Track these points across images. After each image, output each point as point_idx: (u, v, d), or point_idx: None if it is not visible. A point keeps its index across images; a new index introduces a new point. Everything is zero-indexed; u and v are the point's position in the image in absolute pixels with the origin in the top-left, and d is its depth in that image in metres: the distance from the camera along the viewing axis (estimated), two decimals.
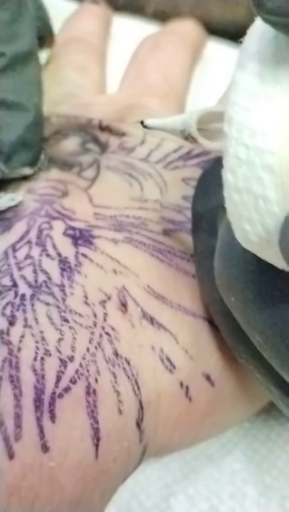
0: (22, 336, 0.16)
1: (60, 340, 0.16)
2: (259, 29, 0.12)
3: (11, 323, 0.17)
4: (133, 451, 0.17)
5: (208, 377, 0.18)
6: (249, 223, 0.12)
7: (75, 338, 0.16)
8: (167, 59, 0.29)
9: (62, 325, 0.17)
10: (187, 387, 0.18)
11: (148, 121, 0.17)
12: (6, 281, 0.18)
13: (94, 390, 0.16)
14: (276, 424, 0.22)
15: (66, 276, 0.18)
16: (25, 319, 0.17)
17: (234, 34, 0.32)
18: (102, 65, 0.30)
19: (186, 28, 0.31)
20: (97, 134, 0.24)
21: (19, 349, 0.16)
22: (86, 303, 0.18)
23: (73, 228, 0.20)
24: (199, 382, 0.18)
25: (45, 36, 0.27)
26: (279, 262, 0.12)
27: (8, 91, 0.23)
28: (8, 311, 0.17)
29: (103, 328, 0.17)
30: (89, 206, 0.21)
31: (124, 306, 0.18)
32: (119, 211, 0.21)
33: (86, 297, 0.18)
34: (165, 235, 0.20)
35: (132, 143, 0.24)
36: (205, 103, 0.26)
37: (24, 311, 0.17)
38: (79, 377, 0.16)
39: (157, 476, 0.21)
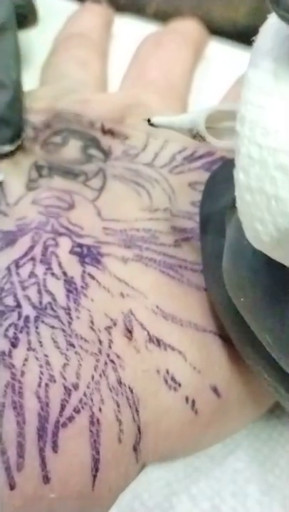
0: (25, 360, 0.16)
1: (65, 365, 0.16)
2: (273, 27, 0.12)
3: (14, 345, 0.16)
4: (130, 473, 0.17)
5: (214, 389, 0.18)
6: (261, 223, 0.12)
7: (80, 365, 0.16)
8: (169, 58, 0.29)
9: (67, 349, 0.16)
10: (193, 401, 0.17)
11: (155, 119, 0.17)
12: (9, 301, 0.18)
13: (98, 420, 0.16)
14: (279, 424, 0.22)
15: (72, 298, 0.18)
16: (29, 342, 0.16)
17: (235, 34, 0.32)
18: (104, 61, 0.30)
19: (188, 27, 0.31)
20: (98, 139, 0.24)
21: (22, 373, 0.16)
22: (92, 328, 0.17)
23: (80, 245, 0.19)
24: (206, 395, 0.18)
25: (27, 14, 0.27)
26: None
27: None
28: (10, 333, 0.17)
29: (108, 355, 0.17)
30: (97, 220, 0.21)
31: (129, 332, 0.17)
32: (128, 224, 0.20)
33: (92, 322, 0.17)
34: (176, 247, 0.20)
35: (136, 147, 0.24)
36: (206, 102, 0.26)
37: (28, 333, 0.17)
38: (83, 407, 0.16)
39: (159, 476, 0.21)
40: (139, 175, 0.22)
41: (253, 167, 0.11)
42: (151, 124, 0.17)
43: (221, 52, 0.32)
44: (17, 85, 0.23)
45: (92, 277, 0.18)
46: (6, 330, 0.17)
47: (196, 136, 0.16)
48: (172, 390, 0.17)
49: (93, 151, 0.23)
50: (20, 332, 0.17)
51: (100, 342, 0.17)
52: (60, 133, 0.24)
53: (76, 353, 0.16)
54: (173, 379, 0.17)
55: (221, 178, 0.19)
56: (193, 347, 0.18)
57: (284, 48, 0.12)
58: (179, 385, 0.17)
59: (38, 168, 0.23)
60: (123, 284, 0.18)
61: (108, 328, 0.17)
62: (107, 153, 0.23)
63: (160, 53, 0.29)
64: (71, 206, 0.21)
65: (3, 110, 0.22)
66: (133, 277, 0.19)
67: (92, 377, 0.16)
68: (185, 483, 0.21)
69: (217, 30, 0.32)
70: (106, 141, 0.24)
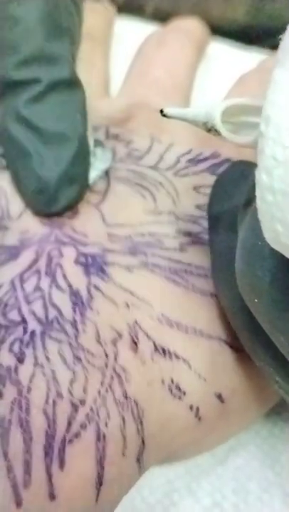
0: (32, 376, 0.16)
1: (72, 381, 0.16)
2: None
3: (20, 361, 0.16)
4: (132, 482, 0.17)
5: (219, 396, 0.18)
6: (282, 224, 0.11)
7: (87, 379, 0.16)
8: (172, 56, 0.28)
9: (74, 364, 0.16)
10: (197, 409, 0.17)
11: (168, 110, 0.16)
12: (14, 315, 0.17)
13: (104, 436, 0.15)
14: (279, 420, 0.22)
15: (78, 311, 0.18)
16: (36, 357, 0.16)
17: (234, 33, 0.32)
18: (106, 61, 0.30)
19: (191, 25, 0.31)
20: (102, 141, 0.24)
21: (29, 390, 0.16)
22: (98, 341, 0.17)
23: (85, 255, 0.19)
24: (210, 402, 0.18)
25: None
26: None
27: (49, 120, 0.20)
28: (16, 348, 0.16)
29: (114, 369, 0.17)
30: (102, 226, 0.20)
31: (135, 344, 0.17)
32: (133, 229, 0.20)
33: (98, 335, 0.17)
34: (182, 251, 0.20)
35: (140, 149, 0.23)
36: (208, 101, 0.26)
37: (34, 348, 0.16)
38: (89, 422, 0.15)
39: (160, 472, 0.21)
40: (144, 177, 0.22)
41: (277, 169, 0.11)
42: (164, 115, 0.16)
43: (221, 51, 0.32)
44: (83, 139, 0.21)
45: (98, 288, 0.18)
46: (12, 345, 0.17)
47: (210, 130, 0.16)
48: (177, 398, 0.17)
49: (98, 152, 0.23)
50: (27, 347, 0.16)
51: (106, 355, 0.17)
52: None
53: (83, 367, 0.16)
54: (178, 387, 0.17)
55: (229, 180, 0.19)
56: (199, 354, 0.18)
57: None
58: (184, 393, 0.17)
59: None
60: (128, 293, 0.18)
61: (114, 341, 0.17)
62: (111, 156, 0.23)
63: (163, 52, 0.29)
64: (75, 213, 0.21)
65: (69, 166, 0.20)
66: (138, 286, 0.18)
67: (99, 392, 0.16)
68: (186, 479, 0.21)
69: (216, 29, 0.32)
70: (110, 143, 0.24)
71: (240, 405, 0.19)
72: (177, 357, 0.17)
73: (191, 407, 0.17)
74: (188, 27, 0.31)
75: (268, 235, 0.12)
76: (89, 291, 0.18)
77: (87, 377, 0.16)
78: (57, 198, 0.20)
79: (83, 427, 0.15)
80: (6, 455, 0.15)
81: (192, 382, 0.17)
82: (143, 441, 0.16)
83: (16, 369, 0.16)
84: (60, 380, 0.16)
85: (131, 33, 0.32)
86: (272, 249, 0.12)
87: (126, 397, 0.16)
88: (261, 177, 0.12)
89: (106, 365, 0.16)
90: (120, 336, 0.17)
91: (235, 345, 0.18)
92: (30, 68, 0.20)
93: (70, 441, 0.15)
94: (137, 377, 0.17)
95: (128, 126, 0.24)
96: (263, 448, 0.22)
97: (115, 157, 0.23)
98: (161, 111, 0.16)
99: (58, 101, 0.20)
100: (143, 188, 0.22)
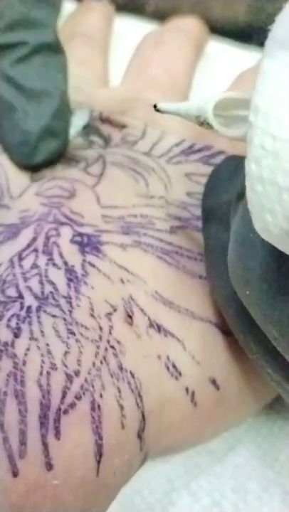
0: (27, 349, 0.16)
1: (66, 353, 0.16)
2: None
3: (16, 336, 0.16)
4: (134, 462, 0.17)
5: (213, 382, 0.18)
6: (271, 214, 0.11)
7: (81, 352, 0.16)
8: (170, 55, 0.29)
9: (68, 338, 0.17)
10: (193, 393, 0.17)
11: (161, 105, 0.17)
12: (12, 292, 0.18)
13: (98, 406, 0.16)
14: (279, 419, 0.22)
15: (73, 287, 0.18)
16: (31, 332, 0.17)
17: (234, 32, 0.32)
18: (106, 60, 0.30)
19: (189, 24, 0.31)
20: (98, 126, 0.24)
21: (24, 362, 0.16)
22: (92, 315, 0.17)
23: (81, 234, 0.20)
24: (205, 387, 0.18)
25: None
26: None
27: (33, 79, 0.22)
28: (13, 323, 0.17)
29: (108, 341, 0.17)
30: (97, 207, 0.21)
31: (130, 317, 0.17)
32: (126, 210, 0.21)
33: (92, 309, 0.17)
34: (172, 233, 0.20)
35: (134, 135, 0.24)
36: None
37: (30, 323, 0.17)
38: (84, 393, 0.16)
39: (159, 472, 0.21)
40: (137, 163, 0.23)
41: (265, 158, 0.11)
42: (158, 110, 0.16)
43: (220, 50, 0.32)
44: (64, 96, 0.23)
45: (92, 265, 0.19)
46: (9, 320, 0.17)
47: (203, 123, 0.16)
48: (174, 378, 0.17)
49: (94, 138, 0.24)
50: (23, 322, 0.17)
51: (101, 328, 0.17)
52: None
53: (77, 340, 0.16)
54: (174, 366, 0.17)
55: (224, 173, 0.19)
56: (192, 335, 0.18)
57: None
58: (180, 373, 0.17)
59: None
60: (123, 270, 0.19)
61: (108, 315, 0.17)
62: (107, 140, 0.24)
63: (162, 50, 0.29)
64: (72, 194, 0.21)
65: (51, 121, 0.22)
66: (132, 263, 0.19)
67: (93, 363, 0.16)
68: (185, 479, 0.21)
69: (216, 29, 0.32)
70: (105, 129, 0.24)
71: (235, 394, 0.19)
72: (172, 335, 0.18)
73: (187, 390, 0.17)
74: (187, 26, 0.31)
75: (257, 225, 0.12)
76: (84, 268, 0.18)
77: (80, 349, 0.16)
78: (38, 149, 0.22)
79: (78, 397, 0.15)
80: (1, 426, 0.15)
81: (187, 363, 0.18)
82: (143, 417, 0.16)
83: (13, 343, 0.16)
84: (54, 352, 0.16)
85: (131, 31, 0.32)
86: (263, 241, 0.12)
87: (121, 368, 0.16)
88: (250, 167, 0.12)
89: (100, 338, 0.17)
90: (115, 309, 0.18)
91: (226, 330, 0.18)
92: (16, 32, 0.23)
93: (66, 411, 0.15)
94: (132, 350, 0.17)
95: (123, 115, 0.25)
96: (262, 446, 0.22)
97: (110, 142, 0.24)
98: (155, 106, 0.16)
99: (42, 62, 0.23)
100: (136, 172, 0.22)
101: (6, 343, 0.16)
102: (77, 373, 0.16)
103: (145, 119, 0.25)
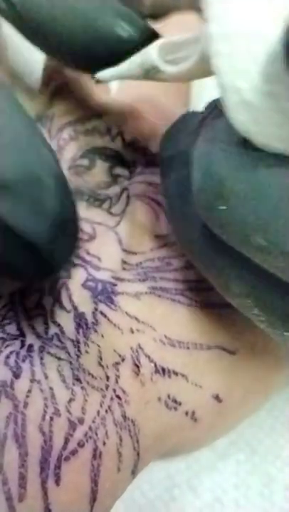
0: (29, 391, 0.16)
1: (71, 400, 0.16)
2: None
3: (16, 376, 0.16)
4: (124, 490, 0.17)
5: (216, 397, 0.18)
6: (244, 78, 0.10)
7: (86, 400, 0.16)
8: None
9: (74, 384, 0.16)
10: (193, 412, 0.17)
11: (100, 75, 0.16)
12: (12, 329, 0.17)
13: (100, 454, 0.15)
14: (281, 415, 0.22)
15: (82, 332, 0.17)
16: (33, 372, 0.16)
17: None
18: None
19: (189, 20, 0.31)
20: (122, 153, 0.22)
21: (26, 405, 0.15)
22: (100, 364, 0.17)
23: (95, 280, 0.18)
24: (206, 404, 0.18)
25: None
26: (281, 125, 0.11)
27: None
28: (12, 361, 0.16)
29: (114, 390, 0.16)
30: (117, 250, 0.19)
31: (137, 367, 0.17)
32: (145, 256, 0.19)
33: (100, 358, 0.17)
34: (188, 269, 0.19)
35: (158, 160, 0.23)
36: (209, 97, 0.26)
37: (31, 363, 0.16)
38: (87, 441, 0.15)
39: (160, 467, 0.21)
40: (158, 192, 0.21)
41: (226, 15, 0.10)
42: (99, 81, 0.16)
43: None
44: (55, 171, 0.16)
45: (104, 315, 0.18)
46: (7, 357, 0.16)
47: (149, 71, 0.15)
48: (172, 410, 0.17)
49: (118, 170, 0.22)
50: (23, 361, 0.16)
51: (108, 378, 0.16)
52: (87, 155, 0.22)
53: (83, 388, 0.16)
54: (174, 400, 0.17)
55: (181, 125, 0.18)
56: (197, 367, 0.18)
57: None
58: (180, 404, 0.17)
59: None
60: (134, 320, 0.18)
61: (116, 364, 0.17)
62: (131, 169, 0.22)
63: None
64: (92, 237, 0.20)
65: (49, 223, 0.15)
66: (144, 311, 0.18)
67: (98, 412, 0.16)
68: (186, 475, 0.21)
69: None
70: (129, 153, 0.23)
71: (238, 402, 0.18)
72: (176, 373, 0.17)
73: (186, 413, 0.17)
74: (187, 22, 0.30)
75: (231, 102, 0.11)
76: (95, 316, 0.18)
77: (86, 397, 0.16)
78: (52, 257, 0.16)
79: (80, 445, 0.15)
80: (0, 468, 0.15)
81: (188, 392, 0.17)
82: (138, 455, 0.16)
83: (12, 384, 0.16)
84: (58, 398, 0.16)
85: None
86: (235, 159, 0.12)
87: (125, 417, 0.16)
88: (212, 28, 0.10)
89: (106, 387, 0.16)
90: (123, 359, 0.17)
91: (232, 349, 0.18)
92: None
93: (67, 458, 0.15)
94: (136, 399, 0.17)
95: (135, 124, 0.24)
96: (264, 443, 0.21)
97: (135, 171, 0.22)
98: (97, 81, 0.16)
99: None
100: (159, 205, 0.21)
101: (4, 383, 0.16)
102: (81, 421, 0.15)
103: (157, 126, 0.23)
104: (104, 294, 0.18)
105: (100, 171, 0.22)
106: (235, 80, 0.10)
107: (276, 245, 0.12)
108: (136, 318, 0.18)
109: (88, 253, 0.19)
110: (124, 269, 0.19)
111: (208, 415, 0.18)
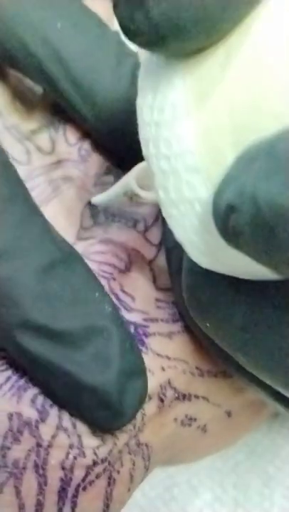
0: (54, 436, 0.15)
1: (99, 446, 0.15)
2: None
3: (42, 420, 0.15)
4: (129, 498, 0.17)
5: (229, 413, 0.18)
6: (194, 232, 0.11)
7: (115, 444, 0.16)
8: None
9: (103, 432, 0.16)
10: (205, 425, 0.17)
11: (94, 200, 0.18)
12: None
13: (114, 480, 0.16)
14: (279, 415, 0.22)
15: None
16: (60, 420, 0.15)
17: None
18: None
19: None
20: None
21: (50, 445, 0.15)
22: None
23: (126, 323, 0.17)
24: (219, 418, 0.18)
25: None
26: (236, 265, 0.12)
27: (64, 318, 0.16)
28: (38, 404, 0.15)
29: (138, 428, 0.16)
30: (151, 289, 0.18)
31: (162, 401, 0.17)
32: None
33: None
34: None
35: None
36: None
37: (59, 410, 0.15)
38: (104, 471, 0.15)
39: (161, 467, 0.21)
40: None
41: (168, 180, 0.11)
42: (93, 205, 0.18)
43: None
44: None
45: None
46: (34, 397, 0.15)
47: (132, 197, 0.17)
48: (186, 426, 0.17)
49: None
50: (51, 407, 0.15)
51: (135, 417, 0.16)
52: (111, 170, 0.21)
53: (113, 435, 0.16)
54: (190, 418, 0.17)
55: None
56: (220, 390, 0.18)
57: (147, 66, 0.12)
58: (195, 420, 0.17)
59: (93, 213, 0.19)
60: (165, 358, 0.17)
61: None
62: None
63: None
64: (127, 268, 0.18)
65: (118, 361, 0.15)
66: (177, 350, 0.17)
67: (120, 450, 0.16)
68: (186, 474, 0.21)
69: None
70: None
71: (245, 418, 0.19)
72: (197, 397, 0.17)
73: (198, 427, 0.17)
74: None
75: (190, 251, 0.12)
76: None
77: (115, 442, 0.16)
78: (124, 401, 0.15)
79: (98, 476, 0.15)
80: (18, 493, 0.15)
81: (206, 410, 0.17)
82: (148, 471, 0.17)
83: (37, 424, 0.15)
84: (85, 444, 0.15)
85: None
86: (205, 273, 0.13)
87: (139, 444, 0.16)
88: (160, 195, 0.12)
89: (134, 426, 0.16)
90: (150, 398, 0.17)
91: None
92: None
93: (84, 488, 0.15)
94: (151, 425, 0.17)
95: None
96: (263, 442, 0.22)
97: None
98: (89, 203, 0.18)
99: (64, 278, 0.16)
100: None
101: (29, 420, 0.15)
102: (104, 460, 0.15)
103: None
104: (136, 336, 0.17)
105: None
106: (187, 234, 0.12)
107: (251, 363, 0.14)
108: (167, 357, 0.17)
109: (122, 290, 0.18)
110: (158, 307, 0.18)
111: (217, 428, 0.18)
